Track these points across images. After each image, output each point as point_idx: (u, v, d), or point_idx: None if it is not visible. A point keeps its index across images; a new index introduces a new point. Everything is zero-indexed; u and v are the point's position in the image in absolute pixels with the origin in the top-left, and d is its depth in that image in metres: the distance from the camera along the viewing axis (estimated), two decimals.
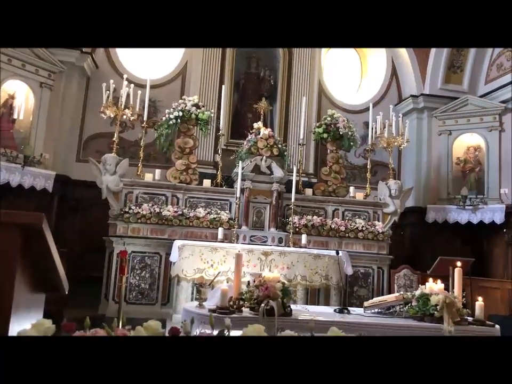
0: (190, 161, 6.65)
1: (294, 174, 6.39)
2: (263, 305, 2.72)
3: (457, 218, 7.48)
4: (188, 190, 6.51)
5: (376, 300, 3.61)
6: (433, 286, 3.16)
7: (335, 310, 3.31)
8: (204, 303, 3.16)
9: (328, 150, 7.14)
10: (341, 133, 6.93)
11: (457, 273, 3.31)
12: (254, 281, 3.06)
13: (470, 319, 3.17)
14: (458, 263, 3.35)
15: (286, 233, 6.37)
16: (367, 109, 7.43)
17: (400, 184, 7.01)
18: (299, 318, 2.83)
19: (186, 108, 6.62)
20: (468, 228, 7.45)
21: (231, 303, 2.83)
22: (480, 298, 3.18)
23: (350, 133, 6.96)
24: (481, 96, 7.69)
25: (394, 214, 6.95)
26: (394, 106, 7.82)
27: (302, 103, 7.06)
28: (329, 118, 7.02)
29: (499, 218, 7.13)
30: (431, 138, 8.11)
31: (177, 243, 5.70)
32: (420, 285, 3.29)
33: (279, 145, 6.62)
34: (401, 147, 7.11)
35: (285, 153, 6.68)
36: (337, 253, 4.51)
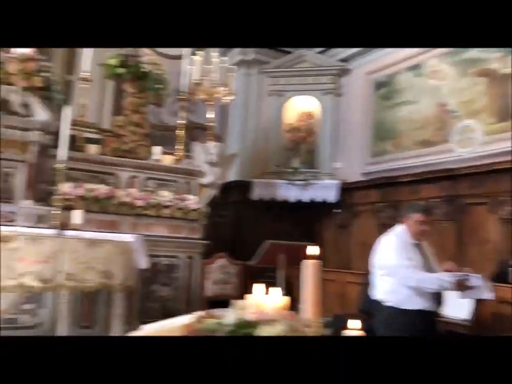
0: None
1: (68, 118, 4.18)
2: None
3: (286, 195, 6.19)
4: None
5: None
6: (262, 302, 1.43)
7: None
8: None
9: (127, 93, 5.07)
10: (144, 69, 4.94)
11: (311, 268, 1.65)
12: None
13: None
14: (311, 250, 1.69)
15: (50, 208, 4.15)
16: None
17: (223, 148, 5.36)
18: None
19: None
20: (298, 207, 6.22)
21: None
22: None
23: (157, 72, 5.03)
24: (319, 52, 6.49)
25: (213, 186, 5.28)
26: (220, 58, 6.12)
27: None
28: (129, 48, 4.95)
29: (331, 196, 6.04)
30: (261, 99, 6.69)
31: None
32: (243, 298, 1.53)
33: (47, 74, 4.33)
34: (224, 100, 5.46)
35: (56, 87, 4.41)
36: None
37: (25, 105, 4.22)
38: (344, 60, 6.31)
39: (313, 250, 1.65)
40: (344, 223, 6.01)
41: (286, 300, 1.47)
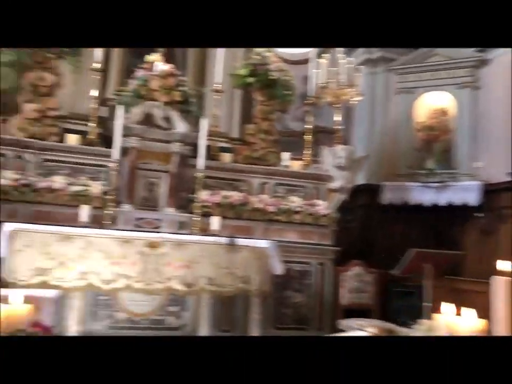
0: (47, 107, 4.43)
1: (205, 129, 4.38)
2: None
3: (420, 198, 5.80)
4: (42, 149, 4.31)
5: None
6: (454, 323, 1.27)
7: None
8: None
9: (256, 102, 5.16)
10: (273, 77, 4.99)
11: (504, 286, 1.44)
12: None
13: None
14: (503, 265, 1.48)
15: (191, 215, 4.37)
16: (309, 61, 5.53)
17: (351, 151, 5.19)
18: None
19: None
20: (432, 210, 5.79)
21: None
22: None
23: (285, 78, 5.04)
24: None
25: (342, 191, 5.14)
26: (346, 58, 5.96)
27: None
28: (257, 57, 5.05)
29: (472, 199, 5.51)
30: (388, 98, 6.38)
31: (6, 227, 3.55)
32: (429, 317, 1.38)
33: (184, 88, 4.58)
34: (352, 101, 5.29)
35: (192, 100, 4.65)
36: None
37: (167, 119, 4.50)
38: (481, 50, 5.76)
39: (505, 265, 1.44)
40: (488, 228, 5.44)
41: (482, 322, 1.30)
